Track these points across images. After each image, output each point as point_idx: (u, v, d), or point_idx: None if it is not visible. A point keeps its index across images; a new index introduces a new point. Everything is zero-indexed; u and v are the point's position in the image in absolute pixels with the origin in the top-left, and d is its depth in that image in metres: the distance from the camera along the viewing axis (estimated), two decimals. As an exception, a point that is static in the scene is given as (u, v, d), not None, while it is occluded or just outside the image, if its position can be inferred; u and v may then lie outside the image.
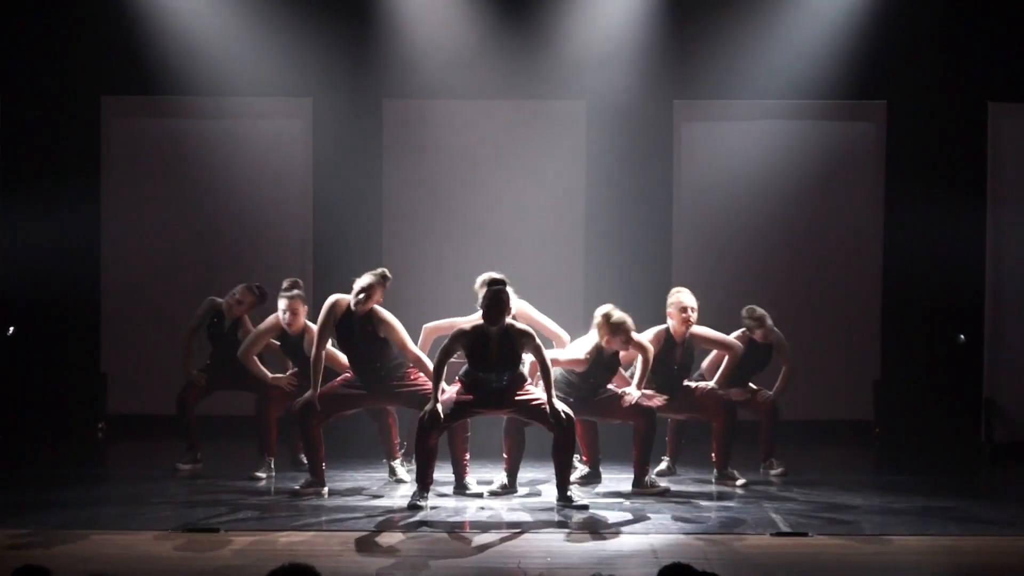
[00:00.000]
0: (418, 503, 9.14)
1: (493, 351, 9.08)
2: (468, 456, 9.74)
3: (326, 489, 9.67)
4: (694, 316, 10.08)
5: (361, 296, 9.42)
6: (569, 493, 9.23)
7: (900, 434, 12.21)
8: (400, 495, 9.67)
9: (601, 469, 10.21)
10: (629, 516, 9.02)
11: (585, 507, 9.16)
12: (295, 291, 10.21)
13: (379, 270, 9.56)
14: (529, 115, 12.87)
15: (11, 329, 11.93)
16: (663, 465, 10.55)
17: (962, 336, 11.68)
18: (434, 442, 9.21)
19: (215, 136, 12.77)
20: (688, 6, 12.54)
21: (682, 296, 10.11)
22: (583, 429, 10.01)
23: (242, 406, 10.88)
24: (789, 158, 12.62)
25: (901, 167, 12.64)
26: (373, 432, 10.56)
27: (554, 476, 9.29)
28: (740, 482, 10.10)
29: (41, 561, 5.28)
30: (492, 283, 9.16)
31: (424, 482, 9.23)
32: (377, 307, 9.50)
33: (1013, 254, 12.40)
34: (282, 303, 10.16)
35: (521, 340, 9.10)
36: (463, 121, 12.87)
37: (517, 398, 9.20)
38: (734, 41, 12.50)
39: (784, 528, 8.62)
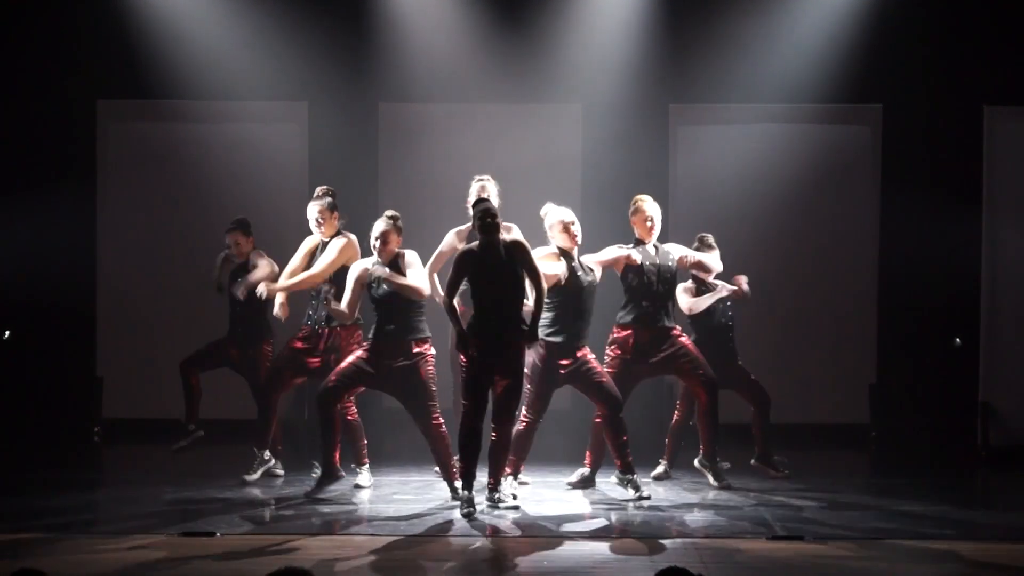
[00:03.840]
0: (470, 508, 9.09)
1: (493, 266, 9.10)
2: (455, 459, 9.60)
3: (343, 477, 9.70)
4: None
5: (377, 243, 9.49)
6: (498, 495, 9.29)
7: (896, 438, 12.23)
8: (396, 498, 9.69)
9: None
10: (625, 520, 9.04)
11: (516, 508, 9.24)
12: (326, 198, 10.17)
13: (387, 213, 9.59)
14: (525, 119, 12.96)
15: (7, 333, 12.00)
16: (660, 469, 10.54)
17: (958, 340, 11.71)
18: (475, 430, 9.13)
19: (211, 140, 12.86)
20: (683, 10, 12.62)
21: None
22: (597, 430, 9.97)
23: (240, 410, 10.87)
24: (784, 162, 12.70)
25: (897, 171, 12.70)
26: (372, 435, 10.54)
27: (490, 476, 9.29)
28: (719, 482, 10.14)
29: (37, 565, 5.23)
30: (477, 203, 9.34)
31: (470, 481, 9.19)
32: (401, 251, 9.53)
33: (1009, 257, 12.43)
34: (312, 210, 10.14)
35: (518, 253, 9.17)
36: (459, 125, 12.95)
37: (516, 373, 9.13)
38: (729, 45, 12.58)
39: (780, 532, 8.64)
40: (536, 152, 12.87)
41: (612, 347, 9.95)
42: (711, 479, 10.16)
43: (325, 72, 12.64)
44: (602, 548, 8.28)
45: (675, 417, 10.63)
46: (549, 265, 9.55)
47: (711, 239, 10.65)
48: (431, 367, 9.54)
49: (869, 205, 12.77)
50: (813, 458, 11.51)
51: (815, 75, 12.55)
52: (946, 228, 12.40)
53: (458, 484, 9.51)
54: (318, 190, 10.29)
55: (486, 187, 10.25)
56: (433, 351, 9.55)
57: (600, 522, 9.02)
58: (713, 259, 10.29)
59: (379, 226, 9.52)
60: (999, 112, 12.39)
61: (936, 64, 12.54)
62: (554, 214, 9.75)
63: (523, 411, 9.62)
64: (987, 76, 12.52)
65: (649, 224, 10.04)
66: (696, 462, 10.29)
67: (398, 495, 9.87)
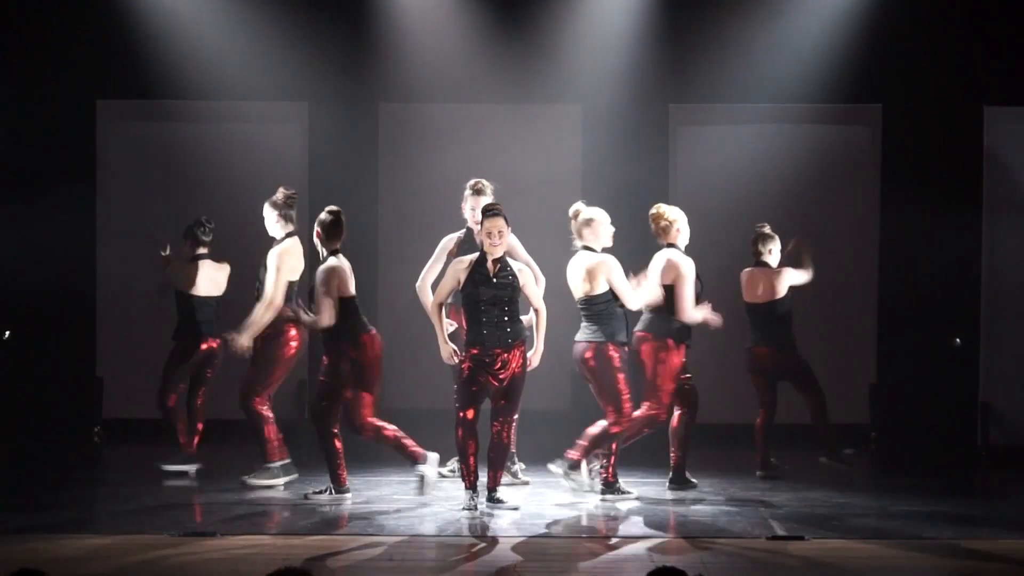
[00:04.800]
0: (471, 507, 9.19)
1: (490, 277, 9.12)
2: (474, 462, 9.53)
3: (349, 497, 9.61)
4: None
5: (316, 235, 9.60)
6: (498, 495, 9.32)
7: (897, 438, 12.21)
8: (396, 498, 9.70)
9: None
10: (626, 520, 9.06)
11: (516, 508, 9.28)
12: (274, 197, 10.29)
13: (329, 207, 9.66)
14: (525, 119, 12.99)
15: (7, 333, 12.01)
16: (760, 473, 10.64)
17: (958, 340, 11.71)
18: (473, 430, 9.16)
19: (211, 140, 12.89)
20: (683, 11, 12.63)
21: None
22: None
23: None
24: (784, 162, 12.72)
25: (897, 171, 12.72)
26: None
27: (488, 477, 9.32)
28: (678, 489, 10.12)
29: (38, 565, 5.24)
30: (488, 209, 9.28)
31: (471, 481, 9.25)
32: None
33: (1009, 257, 12.47)
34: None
35: (519, 271, 9.22)
36: (459, 125, 12.97)
37: (515, 373, 9.19)
38: (729, 45, 12.59)
39: (780, 531, 8.66)
40: (537, 152, 12.90)
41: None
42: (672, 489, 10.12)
43: (325, 73, 12.67)
44: (602, 548, 8.31)
45: (761, 417, 10.72)
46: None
47: (768, 228, 10.81)
48: (373, 365, 9.53)
49: (869, 205, 12.80)
50: (813, 458, 11.50)
51: (815, 75, 12.57)
52: (946, 228, 12.43)
53: (424, 464, 9.48)
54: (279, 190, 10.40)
55: (481, 198, 10.09)
56: (376, 341, 9.55)
57: (600, 522, 9.03)
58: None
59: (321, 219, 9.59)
60: (999, 112, 12.44)
61: (936, 64, 12.54)
62: (605, 217, 9.76)
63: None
64: (987, 76, 12.55)
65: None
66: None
67: (398, 495, 9.86)
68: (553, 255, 11.64)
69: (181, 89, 12.69)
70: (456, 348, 9.39)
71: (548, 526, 8.87)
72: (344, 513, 9.26)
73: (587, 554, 8.15)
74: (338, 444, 9.55)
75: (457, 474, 9.87)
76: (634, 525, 8.92)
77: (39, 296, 12.42)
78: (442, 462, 10.38)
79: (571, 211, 9.77)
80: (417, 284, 10.29)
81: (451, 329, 9.65)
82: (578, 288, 9.58)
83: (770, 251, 10.81)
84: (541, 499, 9.74)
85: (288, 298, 9.94)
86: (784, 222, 11.97)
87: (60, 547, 8.13)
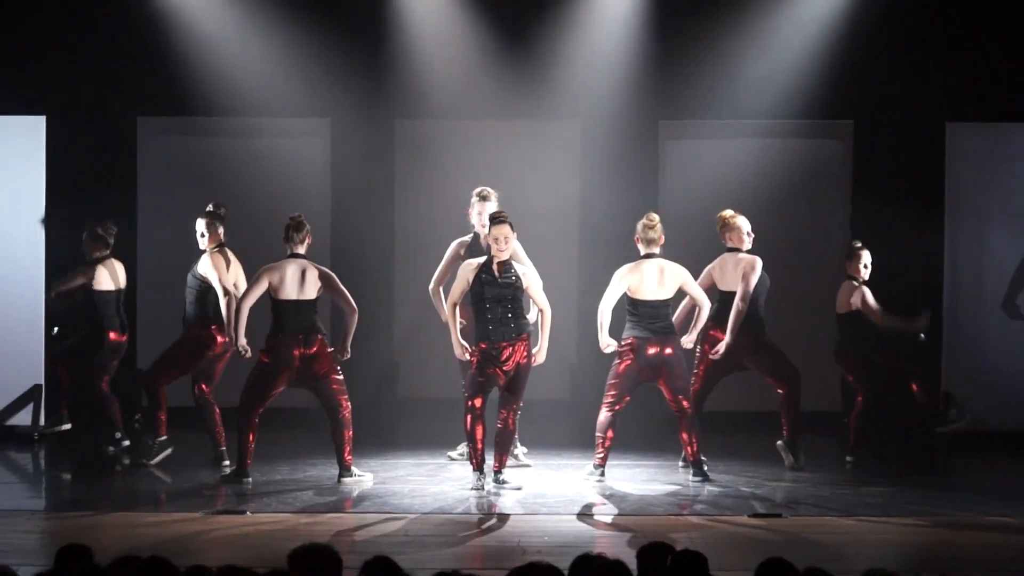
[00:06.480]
0: (479, 487, 9.58)
1: (496, 278, 9.52)
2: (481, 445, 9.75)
3: (250, 480, 9.84)
4: None
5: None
6: (503, 476, 9.66)
7: (867, 424, 11.98)
8: (411, 479, 10.09)
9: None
10: (620, 499, 9.45)
11: (519, 488, 9.63)
12: (210, 212, 10.76)
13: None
14: (528, 134, 13.33)
15: (55, 329, 12.25)
16: (849, 458, 11.09)
17: (923, 335, 11.76)
18: (481, 417, 9.52)
19: (241, 154, 13.17)
20: (672, 34, 12.86)
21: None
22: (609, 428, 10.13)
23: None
24: (765, 174, 12.98)
25: (867, 182, 13.01)
26: (386, 421, 11.12)
27: (494, 460, 9.66)
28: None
29: (83, 541, 5.47)
30: (495, 217, 9.65)
31: (479, 463, 9.57)
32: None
33: (969, 261, 12.57)
34: (198, 225, 10.74)
35: (523, 275, 9.64)
36: (469, 139, 13.26)
37: (520, 364, 9.59)
38: (714, 65, 12.83)
39: (760, 510, 9.13)
40: (538, 164, 13.15)
41: (704, 345, 10.46)
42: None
43: (347, 91, 12.95)
44: (598, 525, 8.78)
45: (857, 405, 11.16)
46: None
47: (858, 244, 11.17)
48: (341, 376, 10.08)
49: (842, 213, 13.09)
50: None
51: (792, 93, 12.88)
52: (911, 234, 12.62)
53: (355, 469, 10.01)
54: (209, 205, 10.83)
55: (487, 204, 10.40)
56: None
57: (596, 502, 9.42)
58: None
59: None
60: (959, 128, 12.60)
61: (902, 84, 12.79)
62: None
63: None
64: (948, 96, 12.80)
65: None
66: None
67: (412, 476, 10.26)
68: (552, 259, 12.03)
69: (215, 107, 12.96)
70: (467, 344, 9.81)
71: (548, 505, 9.19)
72: (363, 493, 9.57)
73: (584, 531, 8.52)
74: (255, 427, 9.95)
75: (466, 457, 10.14)
76: (627, 503, 9.28)
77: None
78: (452, 446, 10.92)
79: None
80: (430, 287, 10.61)
81: (461, 325, 9.99)
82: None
83: (848, 265, 11.17)
84: (542, 480, 10.10)
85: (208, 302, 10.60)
86: (763, 229, 12.06)
87: (103, 524, 8.51)
